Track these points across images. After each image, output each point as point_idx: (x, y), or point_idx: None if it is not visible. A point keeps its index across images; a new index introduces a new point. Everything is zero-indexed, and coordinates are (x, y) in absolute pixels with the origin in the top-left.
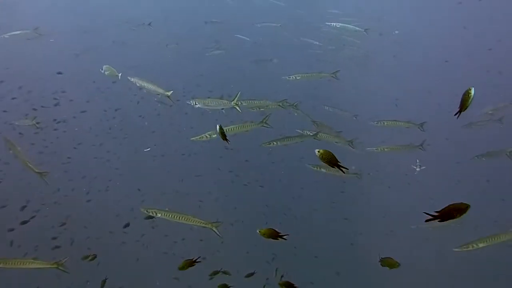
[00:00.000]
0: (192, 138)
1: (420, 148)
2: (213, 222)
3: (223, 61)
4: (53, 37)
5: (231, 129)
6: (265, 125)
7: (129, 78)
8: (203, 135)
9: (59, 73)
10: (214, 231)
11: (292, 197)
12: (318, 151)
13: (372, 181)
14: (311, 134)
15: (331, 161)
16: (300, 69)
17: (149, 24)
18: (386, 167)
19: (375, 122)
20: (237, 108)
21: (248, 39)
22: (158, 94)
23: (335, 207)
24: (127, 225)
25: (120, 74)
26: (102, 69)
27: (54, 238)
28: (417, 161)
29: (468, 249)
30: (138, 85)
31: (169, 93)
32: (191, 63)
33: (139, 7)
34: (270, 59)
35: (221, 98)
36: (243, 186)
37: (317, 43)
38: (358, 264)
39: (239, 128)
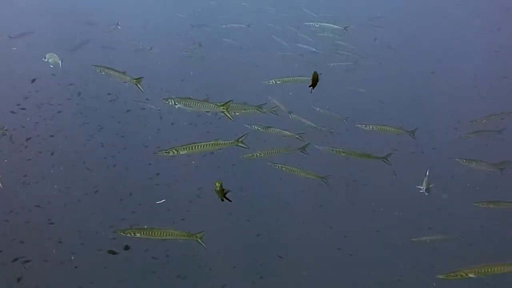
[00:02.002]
0: (157, 153)
1: (384, 161)
2: (197, 233)
3: (207, 65)
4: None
5: (202, 146)
6: (240, 144)
7: (93, 66)
8: (170, 150)
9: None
10: (199, 242)
11: (279, 206)
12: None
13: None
14: (297, 148)
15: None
16: (287, 73)
17: (117, 24)
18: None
19: (363, 126)
20: (228, 115)
21: (236, 43)
22: (125, 82)
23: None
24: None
25: (61, 61)
26: (45, 58)
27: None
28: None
29: (456, 277)
30: (103, 73)
31: (136, 80)
32: (175, 67)
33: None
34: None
35: (206, 100)
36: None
37: (314, 49)
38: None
39: (212, 146)
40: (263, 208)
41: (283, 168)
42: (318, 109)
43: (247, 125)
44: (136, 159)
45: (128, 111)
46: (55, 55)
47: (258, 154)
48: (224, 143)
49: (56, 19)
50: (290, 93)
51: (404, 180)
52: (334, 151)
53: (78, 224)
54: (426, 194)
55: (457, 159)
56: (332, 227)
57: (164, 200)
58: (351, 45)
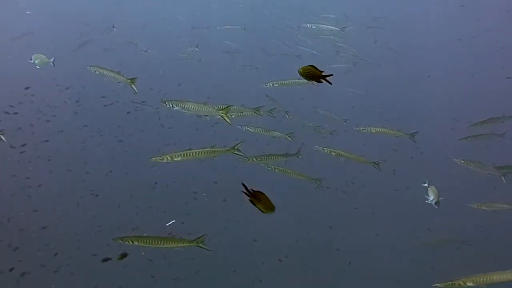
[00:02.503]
0: (152, 159)
1: (374, 166)
2: (198, 238)
3: (207, 67)
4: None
5: (197, 154)
6: (236, 152)
7: (88, 67)
8: (164, 156)
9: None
10: (201, 247)
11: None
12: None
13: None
14: (295, 153)
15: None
16: (287, 76)
17: (113, 26)
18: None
19: (362, 129)
20: (227, 120)
21: (235, 45)
22: (120, 82)
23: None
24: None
25: (52, 59)
26: (31, 59)
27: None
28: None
29: (453, 287)
30: (97, 73)
31: (130, 81)
32: (174, 69)
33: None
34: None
35: (206, 104)
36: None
37: (315, 52)
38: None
39: (207, 153)
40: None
41: (276, 170)
42: (319, 110)
43: (238, 126)
44: (135, 162)
45: (128, 112)
46: (42, 55)
47: (253, 159)
48: (220, 150)
49: (54, 21)
50: (302, 98)
51: (404, 181)
52: (326, 150)
53: (76, 229)
54: (436, 207)
55: (454, 159)
56: (332, 227)
57: (174, 220)
58: (352, 47)
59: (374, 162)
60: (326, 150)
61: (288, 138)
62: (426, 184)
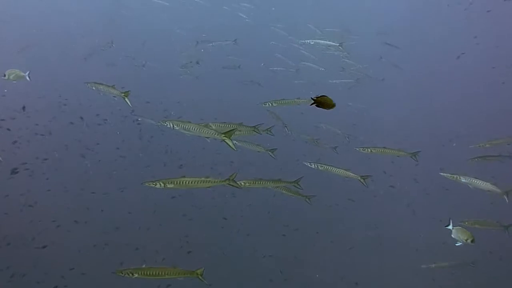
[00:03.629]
0: (145, 183)
1: (361, 181)
2: (197, 270)
3: (209, 83)
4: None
5: (191, 182)
6: (231, 183)
7: (86, 83)
8: (157, 182)
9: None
10: (200, 279)
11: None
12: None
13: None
14: (293, 181)
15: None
16: (289, 91)
17: (112, 42)
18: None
19: (361, 149)
20: (230, 144)
21: (239, 60)
22: (115, 96)
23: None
24: None
25: (28, 73)
26: (4, 76)
27: None
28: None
29: None
30: (93, 88)
31: (124, 94)
32: (175, 84)
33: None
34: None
35: (206, 125)
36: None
37: (322, 69)
38: None
39: (201, 182)
40: (265, 225)
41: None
42: (322, 125)
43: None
44: (135, 178)
45: (133, 122)
46: (16, 70)
47: (243, 184)
48: (215, 181)
49: (56, 35)
50: (302, 113)
51: (406, 199)
52: (313, 165)
53: (74, 248)
54: (472, 244)
55: (440, 173)
56: (333, 242)
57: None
58: (357, 63)
59: (361, 177)
60: (313, 165)
61: (270, 154)
62: (450, 227)
